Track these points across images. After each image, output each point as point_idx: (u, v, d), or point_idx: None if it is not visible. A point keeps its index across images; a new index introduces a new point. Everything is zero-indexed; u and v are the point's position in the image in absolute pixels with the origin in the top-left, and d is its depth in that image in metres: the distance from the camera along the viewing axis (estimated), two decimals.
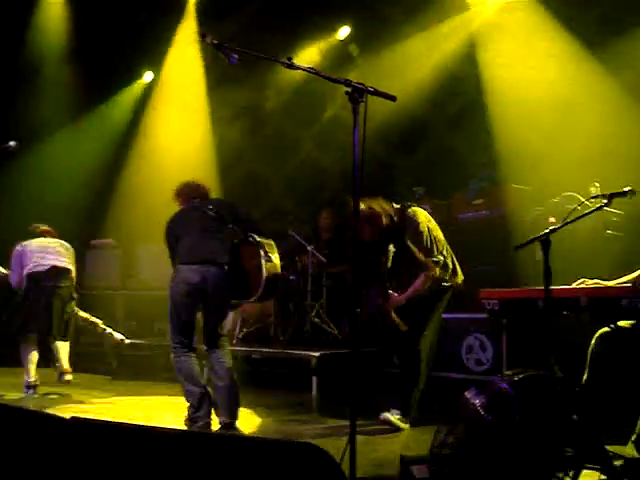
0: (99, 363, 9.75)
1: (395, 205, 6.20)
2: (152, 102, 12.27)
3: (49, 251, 7.81)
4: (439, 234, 6.10)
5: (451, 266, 6.08)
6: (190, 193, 6.29)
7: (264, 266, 6.00)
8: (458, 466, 3.39)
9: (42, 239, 7.90)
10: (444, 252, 6.04)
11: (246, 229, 6.22)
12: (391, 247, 6.22)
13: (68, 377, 7.49)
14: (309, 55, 11.08)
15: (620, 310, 4.27)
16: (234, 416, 5.73)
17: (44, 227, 8.04)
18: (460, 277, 6.15)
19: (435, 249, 5.96)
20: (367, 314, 9.03)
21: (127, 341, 8.61)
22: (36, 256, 7.73)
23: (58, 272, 7.74)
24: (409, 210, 6.10)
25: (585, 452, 3.59)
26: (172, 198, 6.40)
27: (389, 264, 6.29)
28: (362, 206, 5.89)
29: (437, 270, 5.95)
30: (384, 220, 6.06)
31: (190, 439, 2.88)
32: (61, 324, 7.66)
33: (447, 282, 6.05)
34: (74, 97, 11.62)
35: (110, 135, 12.19)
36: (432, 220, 6.17)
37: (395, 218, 6.11)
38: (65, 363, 7.53)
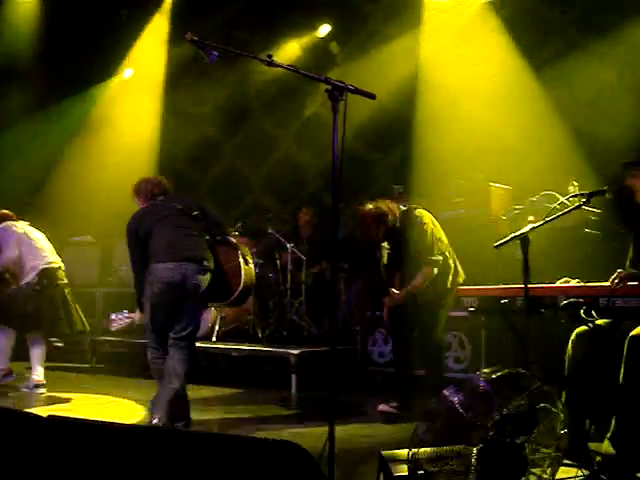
0: (78, 360, 9.69)
1: (402, 207, 6.42)
2: (130, 98, 12.19)
3: (46, 242, 7.77)
4: (442, 236, 6.31)
5: (453, 266, 6.26)
6: (151, 190, 6.03)
7: (243, 270, 5.94)
8: (437, 463, 3.39)
9: (26, 225, 7.79)
10: (446, 253, 6.24)
11: (215, 232, 6.05)
12: (385, 244, 6.41)
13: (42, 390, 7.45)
14: (291, 52, 11.06)
15: (598, 309, 4.29)
16: (167, 418, 5.49)
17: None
18: (462, 277, 6.31)
19: (436, 249, 6.15)
20: (348, 313, 9.09)
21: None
22: (46, 249, 7.66)
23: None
24: (416, 211, 6.32)
25: (564, 448, 3.61)
26: (131, 195, 6.15)
27: (384, 261, 6.49)
28: (370, 206, 6.28)
29: (435, 269, 6.12)
30: (390, 220, 6.25)
31: (168, 437, 2.87)
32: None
33: (450, 282, 6.20)
34: (47, 91, 11.56)
35: (85, 130, 12.06)
36: (437, 223, 6.36)
37: (399, 219, 6.32)
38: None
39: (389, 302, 6.33)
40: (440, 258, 6.17)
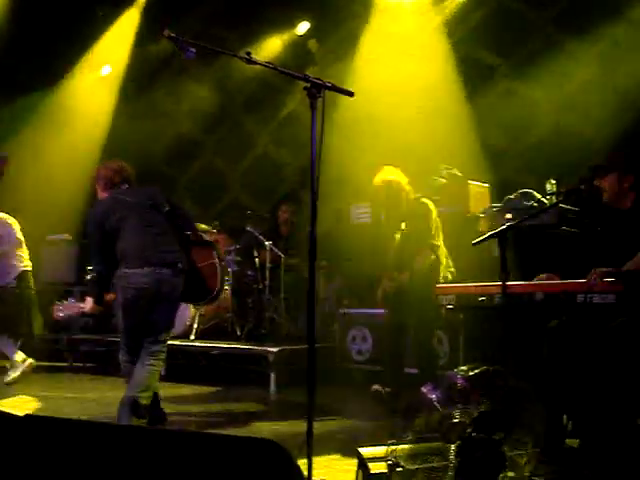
0: (55, 359, 9.64)
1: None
2: (106, 94, 12.10)
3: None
4: (440, 230, 6.60)
5: (444, 262, 6.45)
6: (112, 177, 5.65)
7: (219, 269, 5.85)
8: (415, 460, 3.40)
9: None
10: (442, 247, 6.53)
11: (184, 226, 5.78)
12: (402, 225, 6.68)
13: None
14: (271, 49, 11.04)
15: (575, 306, 4.32)
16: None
17: None
18: (453, 274, 6.48)
19: (437, 237, 6.49)
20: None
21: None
22: (24, 249, 7.65)
23: None
24: (422, 199, 6.65)
25: (542, 445, 3.63)
26: (97, 180, 5.74)
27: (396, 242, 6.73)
28: (392, 176, 6.61)
29: (432, 256, 6.41)
30: (403, 198, 6.58)
31: (147, 435, 2.85)
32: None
33: (442, 277, 6.36)
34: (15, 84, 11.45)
35: (63, 124, 11.94)
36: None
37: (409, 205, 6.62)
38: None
39: (389, 286, 6.58)
40: (440, 244, 6.45)
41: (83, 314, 5.84)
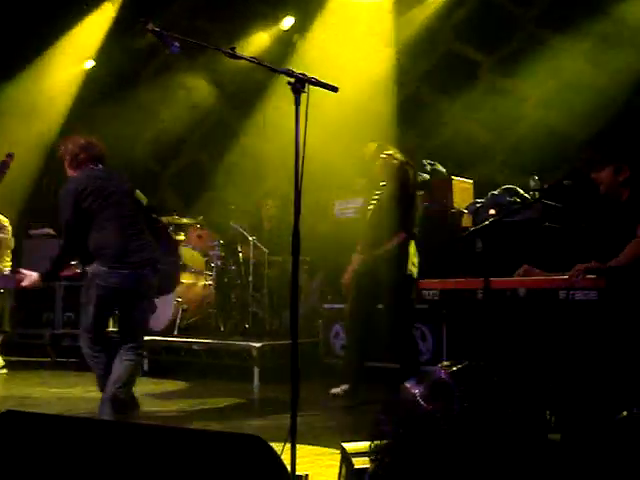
0: (38, 355, 9.59)
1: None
2: (96, 89, 12.03)
3: None
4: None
5: (413, 251, 6.30)
6: (79, 153, 5.34)
7: (179, 268, 5.77)
8: (398, 456, 3.41)
9: None
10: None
11: (154, 220, 5.67)
12: (377, 191, 6.37)
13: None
14: (259, 44, 11.03)
15: (557, 301, 4.35)
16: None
17: None
18: (416, 266, 6.32)
19: (416, 222, 6.37)
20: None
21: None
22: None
23: None
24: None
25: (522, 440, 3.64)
26: (63, 155, 5.40)
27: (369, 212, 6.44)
28: (391, 151, 6.35)
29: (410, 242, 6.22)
30: (398, 176, 6.28)
31: (129, 430, 2.85)
32: None
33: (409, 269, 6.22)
34: None
35: (44, 116, 11.84)
36: None
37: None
38: None
39: (359, 261, 6.39)
40: (416, 232, 6.28)
41: (20, 287, 5.55)
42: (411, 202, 6.31)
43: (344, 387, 6.33)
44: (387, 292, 6.18)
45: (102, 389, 5.32)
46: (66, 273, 5.58)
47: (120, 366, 5.26)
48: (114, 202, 5.28)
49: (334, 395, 6.35)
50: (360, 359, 6.42)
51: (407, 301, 6.16)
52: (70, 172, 5.41)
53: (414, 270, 6.22)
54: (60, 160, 5.46)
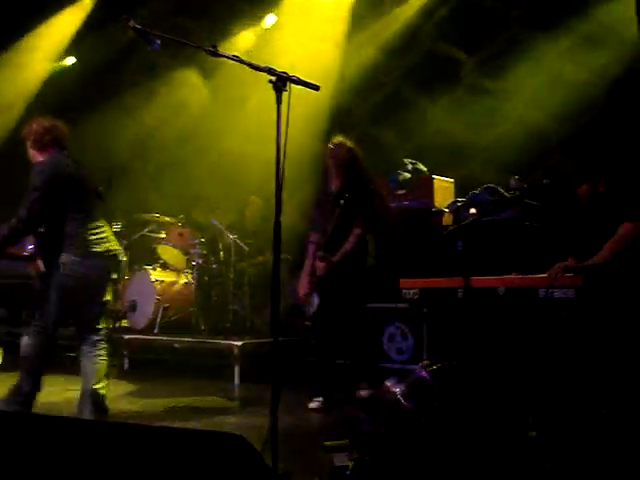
0: (14, 355, 9.50)
1: None
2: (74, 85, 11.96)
3: None
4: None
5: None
6: (43, 135, 5.21)
7: None
8: (379, 453, 3.42)
9: None
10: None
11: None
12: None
13: None
14: (244, 43, 11.02)
15: (537, 300, 4.37)
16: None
17: None
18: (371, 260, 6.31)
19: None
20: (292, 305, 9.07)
21: None
22: None
23: None
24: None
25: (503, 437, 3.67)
26: (27, 136, 5.23)
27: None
28: (349, 143, 6.25)
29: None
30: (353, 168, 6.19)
31: (110, 430, 2.84)
32: None
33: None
34: None
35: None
36: None
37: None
38: None
39: (321, 271, 6.20)
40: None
41: None
42: (365, 190, 6.22)
43: (319, 400, 6.16)
44: (346, 291, 6.15)
45: (34, 388, 5.18)
46: (12, 251, 5.39)
47: (90, 363, 5.23)
48: (83, 192, 5.23)
49: (312, 410, 6.12)
50: (332, 369, 6.33)
51: (361, 298, 6.20)
52: (33, 154, 5.28)
53: (370, 261, 6.22)
54: (23, 141, 5.29)
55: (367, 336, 6.43)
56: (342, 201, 5.99)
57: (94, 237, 5.17)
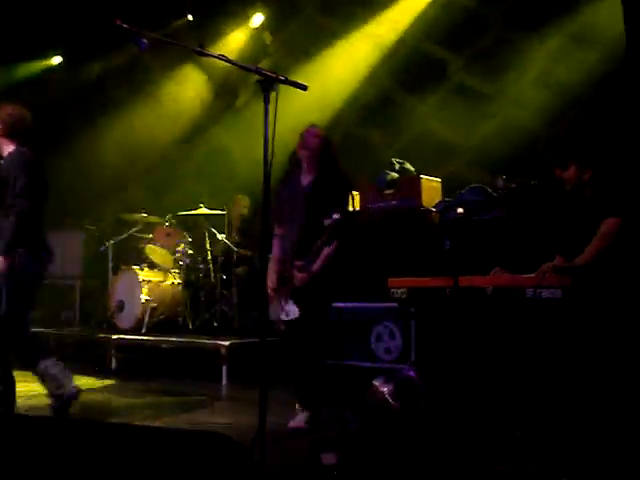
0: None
1: None
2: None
3: None
4: None
5: None
6: (16, 123, 5.22)
7: None
8: (366, 452, 3.43)
9: None
10: None
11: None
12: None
13: None
14: (234, 43, 11.01)
15: (525, 300, 4.38)
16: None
17: None
18: None
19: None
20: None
21: None
22: None
23: None
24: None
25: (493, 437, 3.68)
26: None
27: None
28: (322, 132, 5.64)
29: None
30: (328, 159, 5.58)
31: (98, 429, 2.84)
32: None
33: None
34: None
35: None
36: None
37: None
38: None
39: (300, 282, 5.42)
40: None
41: None
42: (342, 182, 5.60)
43: (305, 416, 5.42)
44: (325, 295, 5.62)
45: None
46: None
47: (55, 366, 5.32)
48: (44, 189, 5.28)
49: (297, 429, 5.32)
50: (321, 381, 5.61)
51: (330, 301, 5.87)
52: (5, 143, 5.25)
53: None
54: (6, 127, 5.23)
55: (328, 343, 6.01)
56: (315, 195, 5.47)
57: (45, 234, 5.27)
